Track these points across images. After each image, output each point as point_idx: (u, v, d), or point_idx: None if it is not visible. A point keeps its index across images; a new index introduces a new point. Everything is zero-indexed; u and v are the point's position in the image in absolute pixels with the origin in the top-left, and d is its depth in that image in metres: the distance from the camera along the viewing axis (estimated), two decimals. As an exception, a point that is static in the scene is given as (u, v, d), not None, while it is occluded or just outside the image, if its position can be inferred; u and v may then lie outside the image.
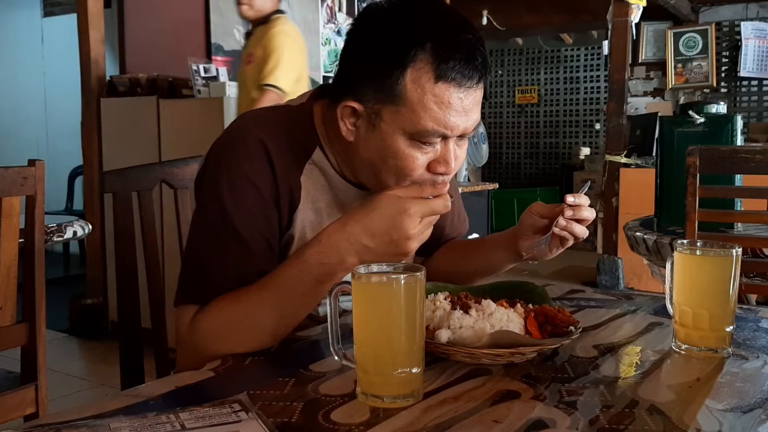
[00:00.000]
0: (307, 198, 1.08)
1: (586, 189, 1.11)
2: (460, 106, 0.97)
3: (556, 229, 1.07)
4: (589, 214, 1.07)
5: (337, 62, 1.08)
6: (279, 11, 3.15)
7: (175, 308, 1.05)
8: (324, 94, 1.10)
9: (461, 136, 1.02)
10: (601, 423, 0.74)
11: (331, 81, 1.10)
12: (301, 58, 3.13)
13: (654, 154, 4.35)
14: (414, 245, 0.95)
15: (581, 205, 1.07)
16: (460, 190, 5.35)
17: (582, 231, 1.08)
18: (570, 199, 1.06)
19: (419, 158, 0.99)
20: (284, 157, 1.05)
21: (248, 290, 1.00)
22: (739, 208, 2.23)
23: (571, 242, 1.10)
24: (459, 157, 1.03)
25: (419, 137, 0.97)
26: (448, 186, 1.03)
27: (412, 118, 0.96)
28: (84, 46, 3.64)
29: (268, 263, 1.04)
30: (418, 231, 0.95)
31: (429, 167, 1.01)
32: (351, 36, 1.04)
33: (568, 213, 1.06)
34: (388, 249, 0.95)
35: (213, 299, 1.01)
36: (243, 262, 1.02)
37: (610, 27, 5.02)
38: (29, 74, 5.44)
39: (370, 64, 0.99)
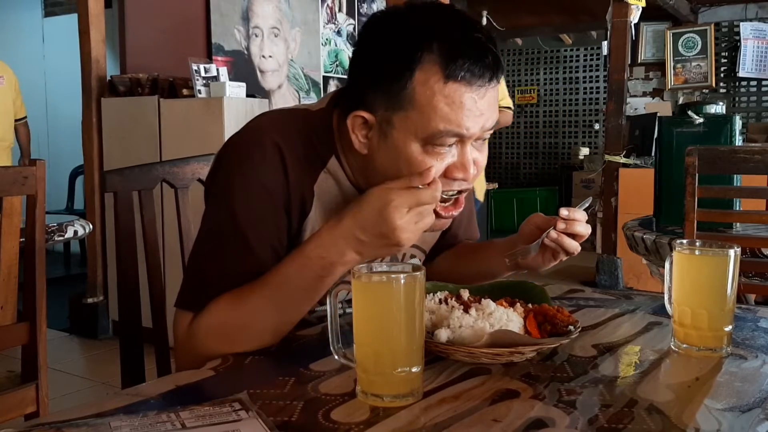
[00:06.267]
0: (319, 207, 1.05)
1: (586, 206, 1.10)
2: (474, 107, 0.95)
3: (546, 240, 1.06)
4: (584, 230, 1.06)
5: (346, 74, 1.06)
6: None
7: (174, 307, 1.05)
8: (340, 100, 1.08)
9: (479, 139, 1.00)
10: (600, 422, 0.74)
11: (343, 91, 1.08)
12: None
13: (653, 154, 4.35)
14: (404, 236, 0.92)
15: (575, 219, 1.05)
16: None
17: (573, 246, 1.06)
18: (564, 212, 1.05)
19: (434, 165, 0.96)
20: (299, 163, 1.03)
21: (250, 288, 0.99)
22: (737, 208, 2.24)
23: (562, 256, 1.08)
24: (479, 161, 1.01)
25: (432, 140, 0.95)
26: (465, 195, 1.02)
27: (423, 121, 0.94)
28: (85, 46, 3.64)
29: None
30: (406, 221, 0.92)
31: (446, 173, 0.99)
32: (358, 46, 1.02)
33: (561, 226, 1.04)
34: (380, 242, 0.93)
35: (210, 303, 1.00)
36: (248, 272, 1.00)
37: (609, 27, 5.02)
38: (30, 74, 5.44)
39: (378, 71, 0.97)
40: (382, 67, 0.97)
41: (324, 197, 1.06)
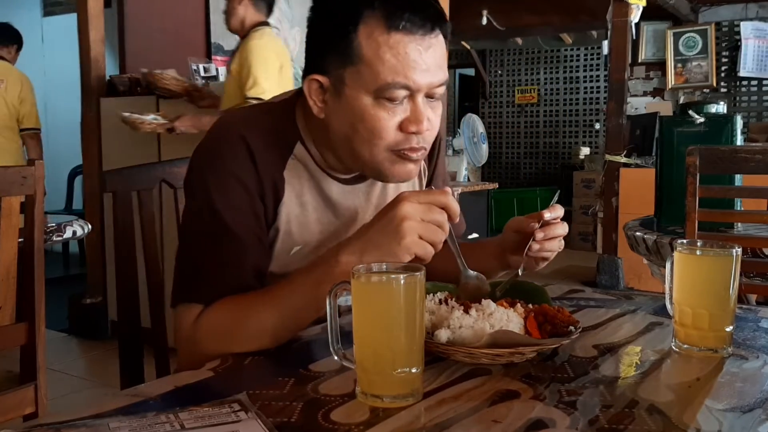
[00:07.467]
0: (292, 192, 1.09)
1: (556, 199, 1.12)
2: (420, 59, 0.98)
3: (530, 252, 1.08)
4: (562, 231, 1.08)
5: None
6: (263, 23, 3.04)
7: (172, 309, 1.06)
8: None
9: (431, 97, 1.02)
10: (600, 423, 0.74)
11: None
12: (277, 69, 3.00)
13: (654, 154, 4.36)
14: (407, 224, 0.90)
15: (552, 223, 1.07)
16: (459, 190, 5.32)
17: (556, 247, 1.09)
18: (547, 215, 1.07)
19: (387, 118, 1.00)
20: (266, 152, 1.06)
21: (254, 292, 1.02)
22: (738, 208, 2.24)
23: (552, 256, 1.11)
24: (432, 121, 1.03)
25: (382, 93, 0.98)
26: (425, 151, 1.04)
27: (372, 74, 0.98)
28: (84, 45, 3.64)
29: (262, 259, 1.06)
30: (413, 209, 0.91)
31: (401, 127, 1.01)
32: (309, 19, 1.07)
33: (539, 236, 1.07)
34: (382, 235, 0.92)
35: (215, 297, 1.02)
36: (238, 259, 1.03)
37: (609, 27, 5.02)
38: (29, 73, 5.44)
39: (325, 32, 1.03)
40: (329, 28, 1.02)
41: (295, 183, 1.09)
